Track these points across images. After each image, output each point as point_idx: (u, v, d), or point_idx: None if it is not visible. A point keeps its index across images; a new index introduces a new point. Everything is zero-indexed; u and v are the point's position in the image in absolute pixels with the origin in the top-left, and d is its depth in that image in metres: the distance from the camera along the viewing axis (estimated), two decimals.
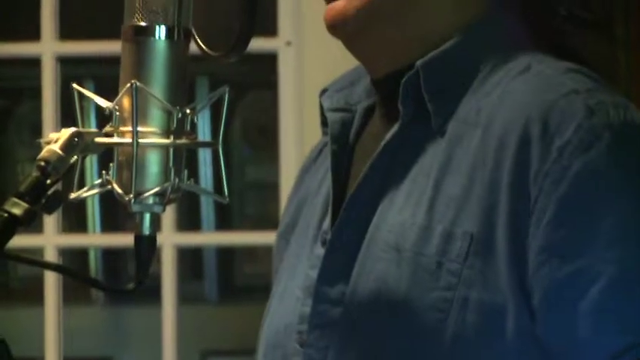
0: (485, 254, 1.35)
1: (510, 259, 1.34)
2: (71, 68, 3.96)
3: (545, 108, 1.36)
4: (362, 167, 1.48)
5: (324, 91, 1.61)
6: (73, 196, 1.30)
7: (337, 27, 1.49)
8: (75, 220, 5.75)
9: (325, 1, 1.49)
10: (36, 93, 3.82)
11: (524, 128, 1.36)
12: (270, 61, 3.75)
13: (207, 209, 6.04)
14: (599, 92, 1.39)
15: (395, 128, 1.44)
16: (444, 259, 1.37)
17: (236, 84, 5.29)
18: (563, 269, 1.32)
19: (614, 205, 1.33)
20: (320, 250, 1.50)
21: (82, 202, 1.36)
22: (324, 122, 1.59)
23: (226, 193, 1.33)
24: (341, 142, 1.55)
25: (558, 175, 1.32)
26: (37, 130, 4.42)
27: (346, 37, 1.50)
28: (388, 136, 1.45)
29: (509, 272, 1.34)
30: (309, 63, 3.59)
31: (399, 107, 1.44)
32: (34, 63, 3.79)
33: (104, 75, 4.94)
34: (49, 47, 3.71)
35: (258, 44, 3.33)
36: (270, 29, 3.66)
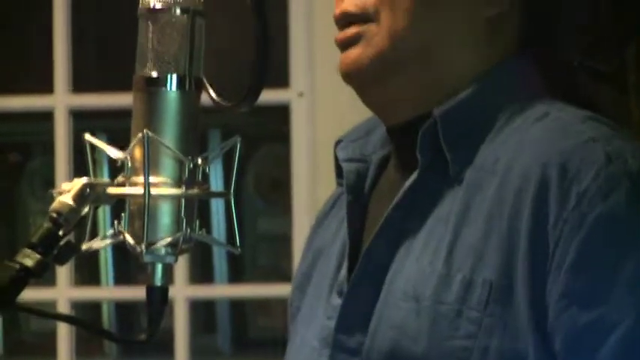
0: (505, 301, 1.35)
1: (531, 305, 1.34)
2: (83, 121, 3.97)
3: (564, 155, 1.37)
4: (378, 217, 1.48)
5: (338, 142, 1.61)
6: (85, 247, 1.30)
7: (352, 76, 1.49)
8: (87, 273, 5.74)
9: (340, 50, 1.49)
10: (47, 147, 3.83)
11: (542, 175, 1.36)
12: (282, 112, 3.76)
13: (219, 262, 6.02)
14: (617, 140, 1.40)
15: (413, 177, 1.44)
16: (464, 307, 1.37)
17: (248, 136, 5.30)
18: (583, 317, 1.32)
19: (632, 252, 1.33)
20: (337, 301, 1.50)
21: (94, 254, 1.36)
22: (339, 173, 1.59)
23: (238, 243, 1.33)
24: (356, 193, 1.55)
25: (577, 222, 1.33)
26: (49, 183, 4.43)
27: (361, 85, 1.50)
28: (406, 185, 1.45)
29: (529, 318, 1.33)
30: (322, 114, 3.60)
31: (416, 156, 1.44)
32: (45, 117, 3.81)
33: (117, 128, 4.94)
34: (61, 100, 3.73)
35: (270, 95, 3.35)
36: (282, 80, 3.67)
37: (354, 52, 1.48)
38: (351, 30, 1.50)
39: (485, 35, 1.50)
